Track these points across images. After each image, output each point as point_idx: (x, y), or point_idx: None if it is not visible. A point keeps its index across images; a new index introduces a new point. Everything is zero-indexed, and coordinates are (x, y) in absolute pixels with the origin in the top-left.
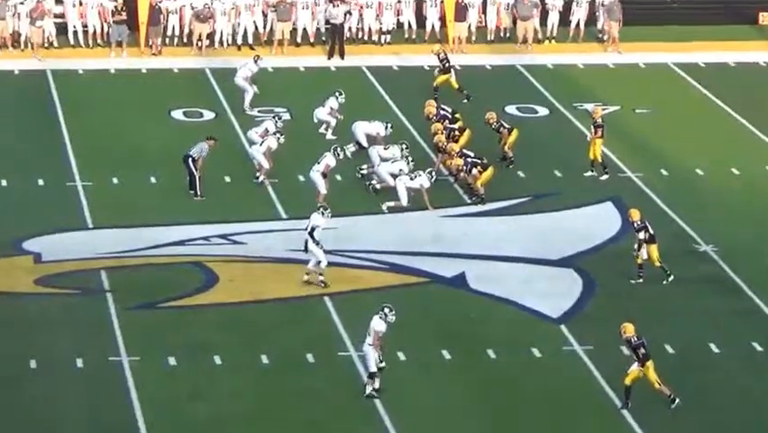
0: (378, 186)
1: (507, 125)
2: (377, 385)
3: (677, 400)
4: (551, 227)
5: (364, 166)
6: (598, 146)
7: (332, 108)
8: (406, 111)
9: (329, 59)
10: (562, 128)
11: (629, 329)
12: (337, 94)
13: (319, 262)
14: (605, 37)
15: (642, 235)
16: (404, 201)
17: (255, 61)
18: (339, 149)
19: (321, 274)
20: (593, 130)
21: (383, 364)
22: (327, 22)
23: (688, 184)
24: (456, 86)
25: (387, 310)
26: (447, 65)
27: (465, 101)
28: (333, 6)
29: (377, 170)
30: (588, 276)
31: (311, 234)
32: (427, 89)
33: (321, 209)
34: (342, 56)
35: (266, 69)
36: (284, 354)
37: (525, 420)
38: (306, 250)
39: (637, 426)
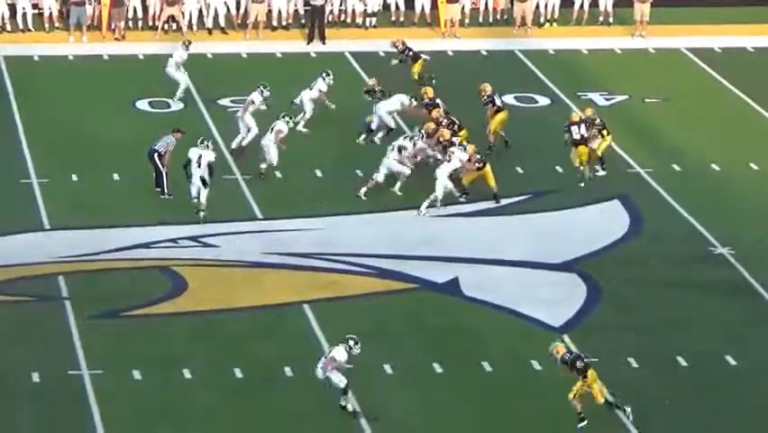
0: (380, 180)
1: (498, 103)
2: (351, 406)
3: (583, 422)
4: (552, 228)
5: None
6: (606, 143)
7: (320, 91)
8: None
9: (308, 43)
10: (564, 120)
11: (559, 349)
12: (324, 75)
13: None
14: (636, 18)
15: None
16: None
17: (186, 47)
18: (289, 116)
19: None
20: (595, 132)
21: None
22: (307, 3)
23: (702, 180)
24: (416, 77)
25: (352, 343)
26: (412, 53)
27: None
28: None
29: (379, 112)
30: (592, 282)
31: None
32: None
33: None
34: (323, 40)
35: (239, 55)
36: (259, 367)
37: None
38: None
39: None
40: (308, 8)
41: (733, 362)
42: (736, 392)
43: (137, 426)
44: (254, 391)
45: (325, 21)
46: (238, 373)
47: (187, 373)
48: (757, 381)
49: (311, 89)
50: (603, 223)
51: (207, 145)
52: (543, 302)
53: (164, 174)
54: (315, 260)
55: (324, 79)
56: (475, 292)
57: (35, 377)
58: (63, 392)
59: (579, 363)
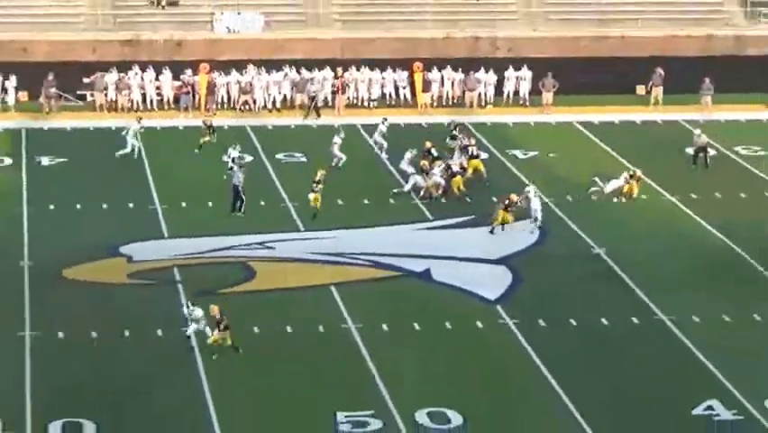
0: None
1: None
2: (190, 331)
3: (240, 350)
4: (488, 237)
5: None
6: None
7: (381, 132)
8: (393, 160)
9: (304, 119)
10: (497, 168)
11: (215, 310)
12: (383, 119)
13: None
14: (544, 102)
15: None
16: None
17: (138, 121)
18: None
19: None
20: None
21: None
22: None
23: (586, 205)
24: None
25: (189, 303)
26: (210, 126)
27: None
28: (311, 84)
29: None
30: (516, 270)
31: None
32: (409, 144)
33: None
34: (318, 115)
35: (289, 127)
36: (305, 325)
37: (473, 367)
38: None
39: (552, 379)
40: (310, 97)
41: (606, 322)
42: (610, 342)
43: (232, 371)
44: (301, 341)
45: (345, 104)
46: (289, 329)
47: (255, 329)
48: (621, 335)
49: (376, 131)
50: (523, 234)
51: (235, 146)
52: (485, 284)
53: (243, 201)
54: (338, 257)
55: (383, 123)
56: (442, 278)
57: (159, 332)
58: (177, 344)
59: (224, 323)
